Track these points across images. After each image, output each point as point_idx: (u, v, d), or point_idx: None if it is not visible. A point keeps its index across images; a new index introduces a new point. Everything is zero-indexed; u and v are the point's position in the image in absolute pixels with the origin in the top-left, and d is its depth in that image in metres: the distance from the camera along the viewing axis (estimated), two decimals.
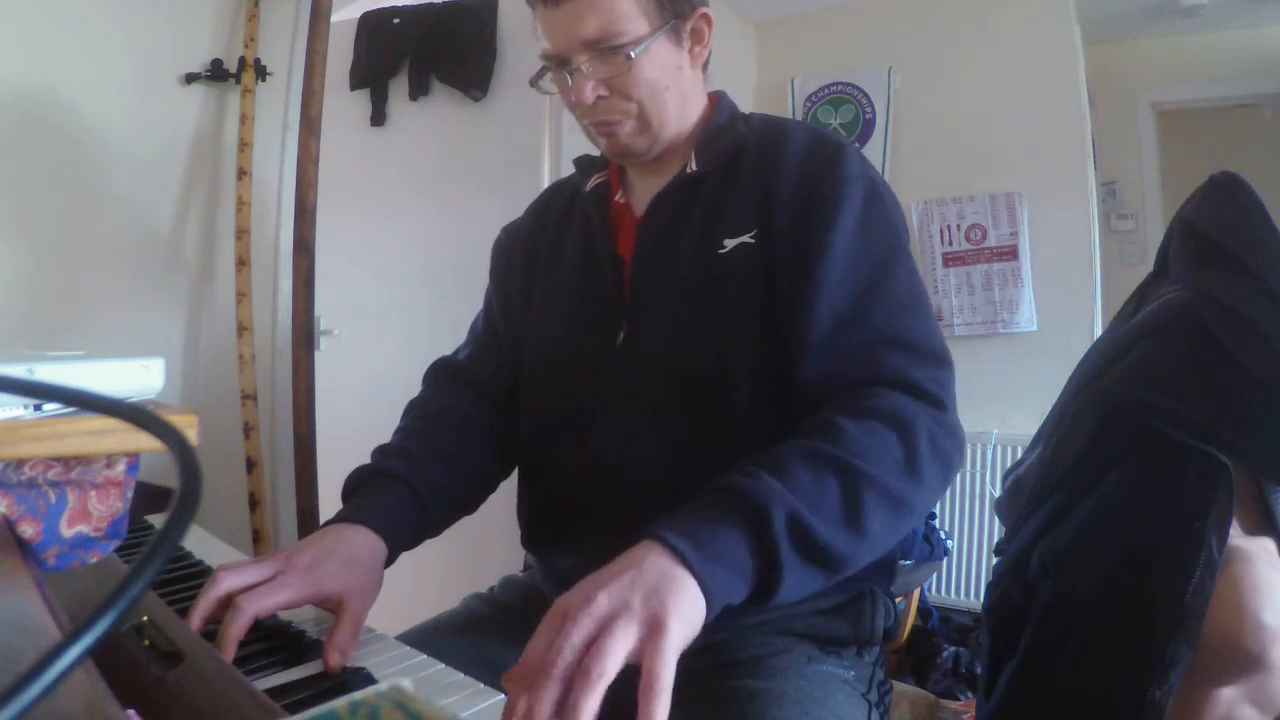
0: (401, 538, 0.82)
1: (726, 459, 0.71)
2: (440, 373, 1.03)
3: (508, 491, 1.02)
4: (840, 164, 0.83)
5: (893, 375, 0.74)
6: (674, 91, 0.86)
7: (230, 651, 0.62)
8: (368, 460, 0.89)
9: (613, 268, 0.90)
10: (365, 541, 0.77)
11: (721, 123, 0.91)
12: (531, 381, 0.96)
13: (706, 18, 0.88)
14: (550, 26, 0.83)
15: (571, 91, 0.84)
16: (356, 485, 0.85)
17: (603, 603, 0.54)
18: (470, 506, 0.95)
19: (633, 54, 0.81)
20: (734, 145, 0.88)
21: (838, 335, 0.77)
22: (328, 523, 0.80)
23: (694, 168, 0.88)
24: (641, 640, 0.53)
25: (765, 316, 0.81)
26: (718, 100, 0.94)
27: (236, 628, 0.63)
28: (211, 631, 0.66)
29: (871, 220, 0.81)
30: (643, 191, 0.93)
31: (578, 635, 0.52)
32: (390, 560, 0.80)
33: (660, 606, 0.54)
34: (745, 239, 0.83)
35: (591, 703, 0.49)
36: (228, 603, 0.66)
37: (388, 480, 0.85)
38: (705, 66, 0.92)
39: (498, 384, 0.99)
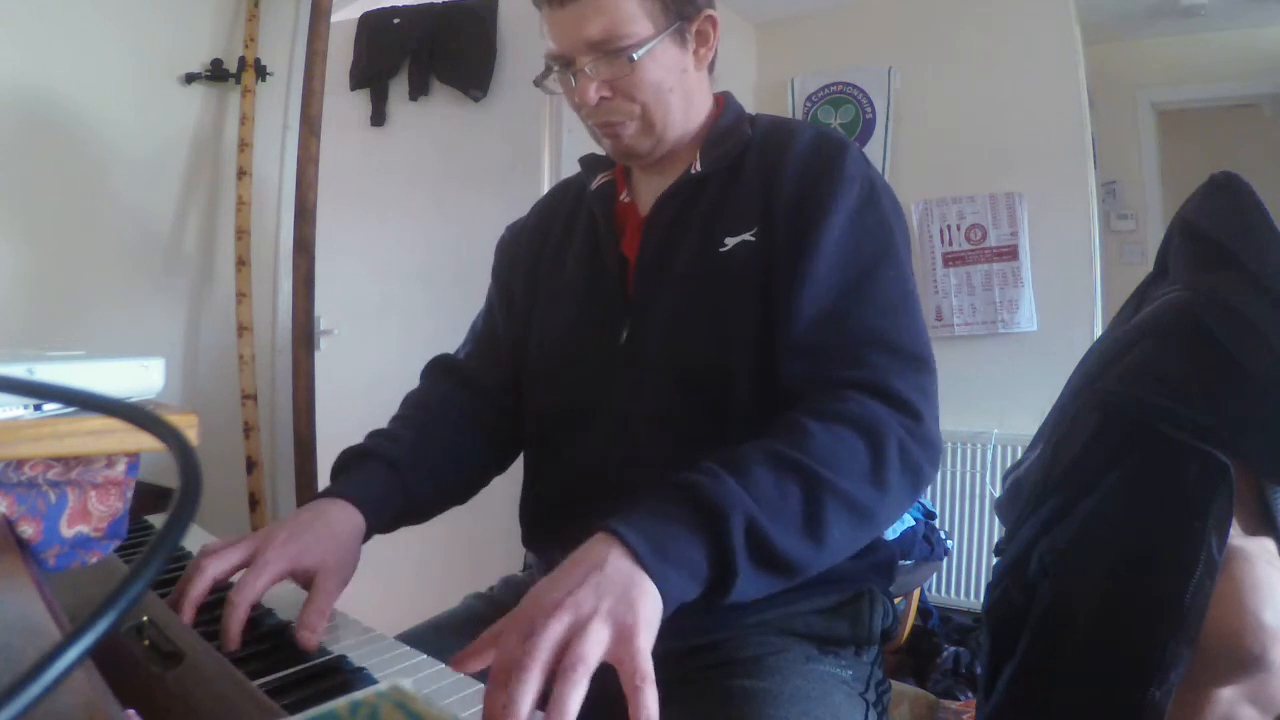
0: (381, 514, 0.83)
1: None
2: (437, 368, 1.04)
3: (508, 491, 1.02)
4: (839, 164, 0.83)
5: (870, 378, 0.74)
6: (678, 93, 0.86)
7: (235, 643, 0.64)
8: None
9: (617, 267, 0.90)
10: (343, 516, 0.78)
11: (727, 124, 0.91)
12: (537, 380, 0.96)
13: (712, 19, 0.89)
14: (555, 27, 0.83)
15: (575, 92, 0.84)
16: (344, 462, 0.87)
17: (571, 608, 0.55)
18: (459, 496, 0.95)
19: (635, 56, 0.81)
20: (738, 146, 0.88)
21: (819, 333, 0.77)
22: (313, 499, 0.81)
23: (698, 168, 0.88)
24: (615, 644, 0.54)
25: (765, 314, 0.81)
26: (724, 101, 0.94)
27: (235, 622, 0.64)
28: (214, 627, 0.67)
29: (864, 221, 0.81)
30: (647, 191, 0.93)
31: (550, 636, 0.53)
32: (368, 535, 0.81)
33: (629, 613, 0.55)
34: (746, 237, 0.83)
35: (577, 696, 0.50)
36: (213, 589, 0.68)
37: (373, 460, 0.86)
38: (711, 68, 0.92)
39: (495, 380, 1.00)
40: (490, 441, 0.98)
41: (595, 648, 0.53)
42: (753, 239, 0.83)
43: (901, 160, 3.04)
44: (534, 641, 0.52)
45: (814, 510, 0.66)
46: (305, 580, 0.72)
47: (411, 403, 0.98)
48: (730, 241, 0.84)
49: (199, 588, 0.67)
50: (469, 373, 1.01)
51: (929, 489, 2.88)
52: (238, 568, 0.70)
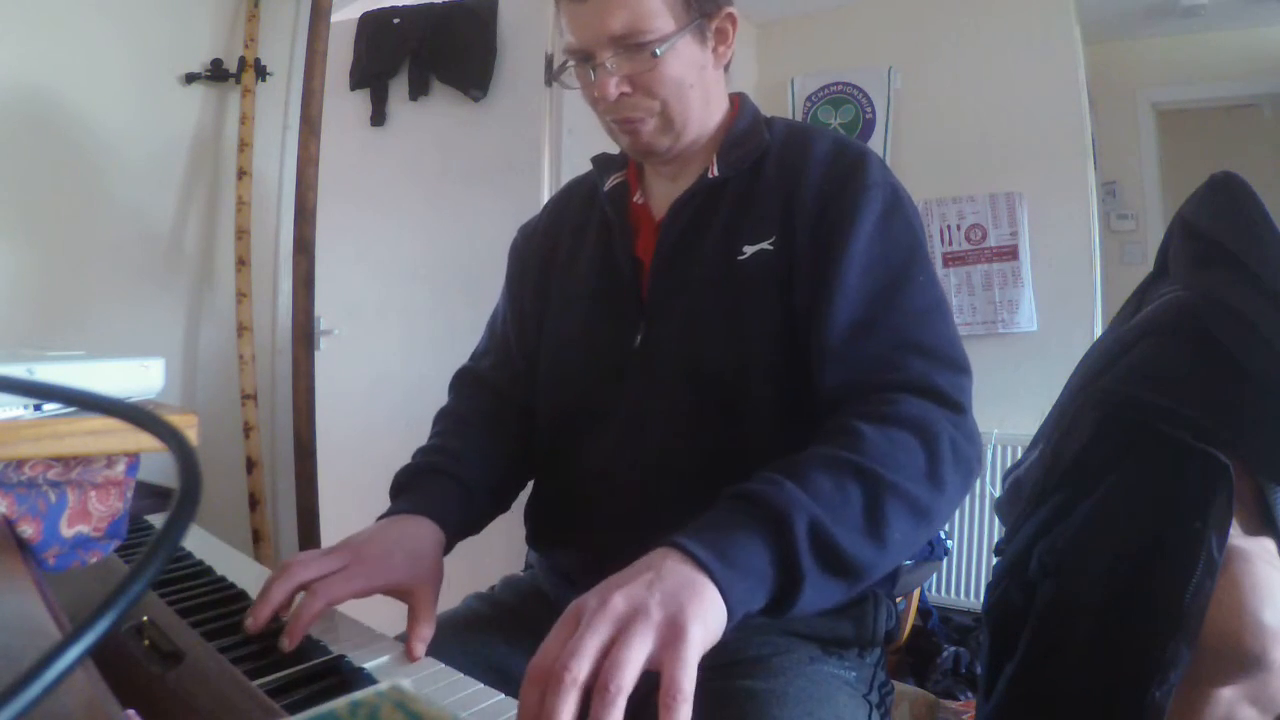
0: (455, 528, 0.85)
1: (741, 463, 0.70)
2: (464, 380, 1.06)
3: None
4: (862, 172, 0.82)
5: (915, 380, 0.73)
6: (698, 90, 0.86)
7: (299, 634, 0.65)
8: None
9: (631, 269, 0.90)
10: (427, 532, 0.80)
11: (744, 127, 0.90)
12: (549, 381, 0.96)
13: (732, 18, 0.88)
14: (576, 21, 0.82)
15: (595, 87, 0.84)
16: (406, 481, 0.88)
17: (619, 605, 0.52)
18: (505, 503, 0.97)
19: (659, 51, 0.80)
20: (757, 151, 0.88)
21: (856, 341, 0.77)
22: (383, 516, 0.83)
23: (715, 172, 0.87)
24: (660, 647, 0.50)
25: (783, 323, 0.81)
26: (740, 103, 0.94)
27: (310, 613, 0.66)
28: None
29: (891, 227, 0.81)
30: (661, 193, 0.93)
31: (593, 638, 0.50)
32: (448, 549, 0.83)
33: (679, 612, 0.52)
34: (764, 245, 0.83)
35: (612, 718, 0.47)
36: (295, 594, 0.70)
37: (436, 475, 0.88)
38: (727, 67, 0.92)
39: (519, 390, 1.01)
40: (521, 444, 0.99)
41: (636, 656, 0.49)
42: (770, 248, 0.83)
43: (901, 160, 3.04)
44: (574, 645, 0.50)
45: (875, 511, 0.64)
46: (398, 595, 0.74)
47: (451, 418, 0.99)
48: (749, 250, 0.83)
49: (286, 587, 0.69)
50: (492, 381, 1.02)
51: None
52: (328, 574, 0.71)
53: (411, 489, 0.86)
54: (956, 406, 0.73)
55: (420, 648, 0.68)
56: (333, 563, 0.72)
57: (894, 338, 0.76)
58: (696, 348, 0.83)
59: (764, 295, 0.82)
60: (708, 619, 0.53)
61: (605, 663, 0.49)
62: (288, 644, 0.64)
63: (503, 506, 0.96)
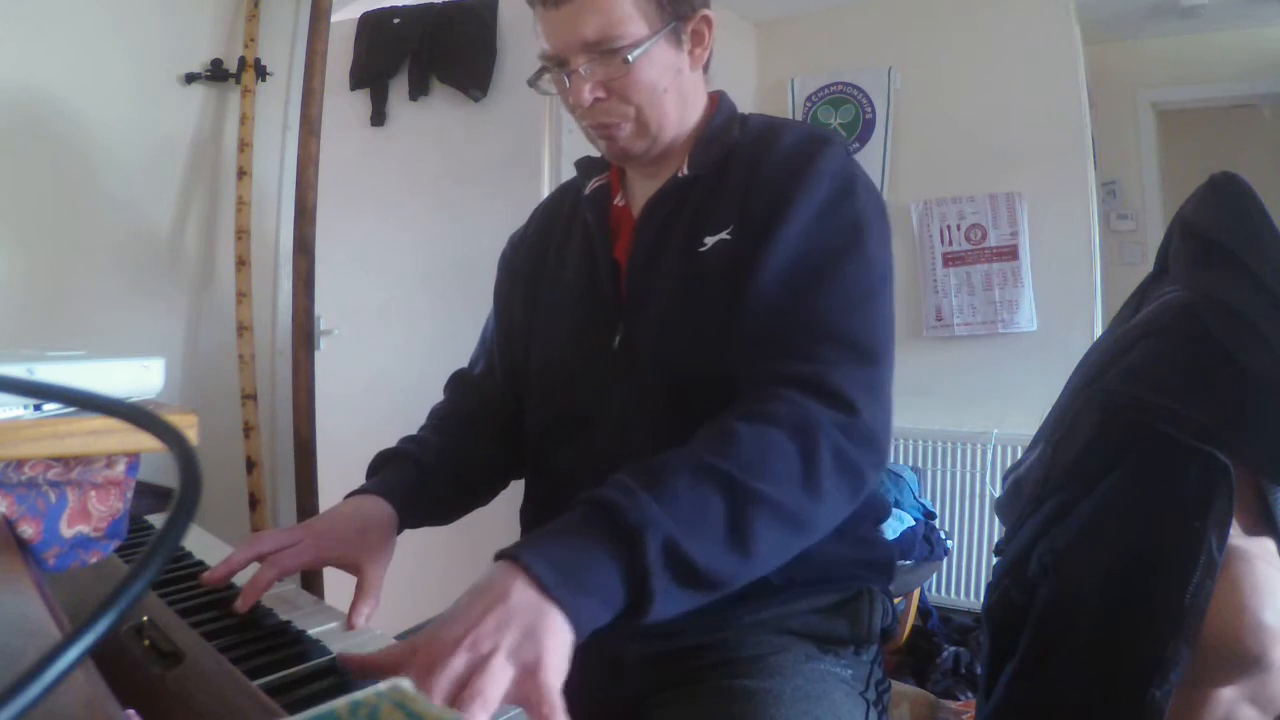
0: (410, 507, 0.88)
1: None
2: (457, 382, 1.09)
3: (508, 493, 1.04)
4: (814, 159, 0.81)
5: (809, 373, 0.72)
6: (673, 94, 0.86)
7: (251, 599, 0.71)
8: (370, 458, 0.95)
9: (610, 271, 0.90)
10: (378, 510, 0.85)
11: (718, 125, 0.90)
12: (537, 385, 0.97)
13: (707, 19, 0.88)
14: (549, 27, 0.82)
15: (570, 93, 0.84)
16: (375, 464, 0.94)
17: (469, 647, 0.53)
18: (480, 495, 1.00)
19: (631, 57, 0.81)
20: (725, 148, 0.88)
21: (768, 327, 0.76)
22: (348, 495, 0.88)
23: (685, 171, 0.88)
24: (519, 683, 0.52)
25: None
26: (718, 100, 0.94)
27: (265, 579, 0.73)
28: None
29: (833, 215, 0.80)
30: (641, 194, 0.93)
31: (449, 674, 0.51)
32: (400, 527, 0.87)
33: (534, 650, 0.53)
34: (723, 236, 0.83)
35: None
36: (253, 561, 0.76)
37: (400, 460, 0.93)
38: (706, 67, 0.92)
39: (504, 396, 1.04)
40: (504, 441, 1.01)
41: (496, 685, 0.51)
42: (729, 237, 0.83)
43: (901, 160, 3.04)
44: (433, 680, 0.51)
45: (739, 522, 0.63)
46: (347, 568, 0.79)
47: (436, 414, 1.04)
48: (709, 241, 0.83)
49: (243, 556, 0.76)
50: (483, 385, 1.06)
51: (929, 489, 2.88)
52: (284, 548, 0.77)
53: (376, 471, 0.92)
54: (848, 407, 0.70)
55: (361, 621, 0.73)
56: (288, 537, 0.78)
57: (808, 324, 0.75)
58: (669, 346, 0.84)
59: (724, 287, 0.81)
60: (557, 648, 0.54)
61: (465, 689, 0.50)
62: (241, 605, 0.70)
63: (476, 497, 0.99)
